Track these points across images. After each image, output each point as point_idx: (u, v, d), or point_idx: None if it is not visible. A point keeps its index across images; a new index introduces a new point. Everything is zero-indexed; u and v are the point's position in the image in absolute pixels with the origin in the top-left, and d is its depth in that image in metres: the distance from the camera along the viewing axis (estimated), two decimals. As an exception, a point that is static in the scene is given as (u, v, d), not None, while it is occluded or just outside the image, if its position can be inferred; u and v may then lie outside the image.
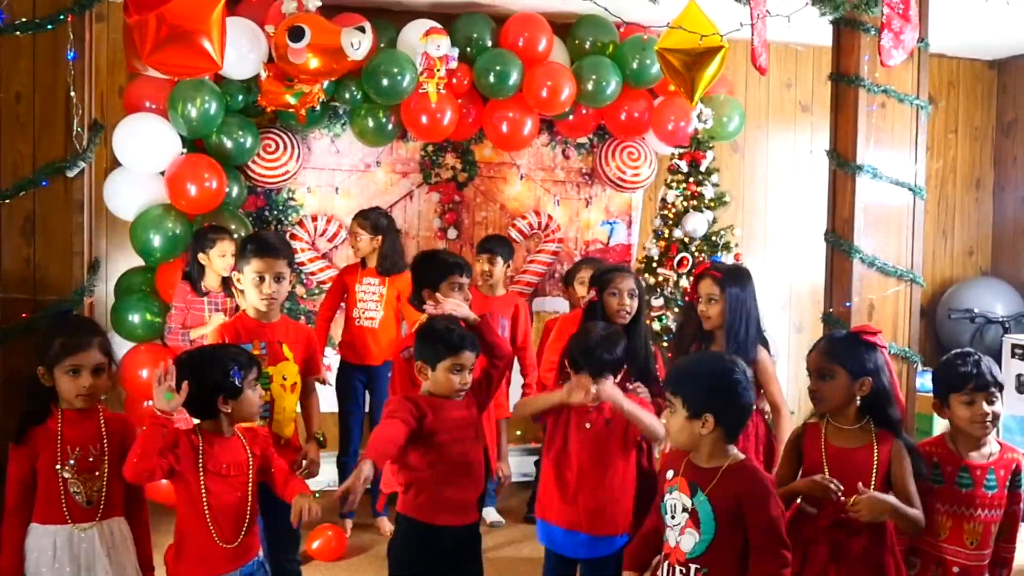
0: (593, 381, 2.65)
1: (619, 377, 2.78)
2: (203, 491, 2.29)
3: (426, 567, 2.53)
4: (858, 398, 2.40)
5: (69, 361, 2.40)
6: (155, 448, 2.21)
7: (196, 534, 2.30)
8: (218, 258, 3.89)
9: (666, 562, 2.20)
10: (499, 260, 4.14)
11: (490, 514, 4.32)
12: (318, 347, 3.14)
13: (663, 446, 2.74)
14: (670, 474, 2.23)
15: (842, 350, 2.44)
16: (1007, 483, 2.48)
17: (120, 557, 2.45)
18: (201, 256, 3.88)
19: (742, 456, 2.18)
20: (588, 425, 2.71)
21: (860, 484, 2.29)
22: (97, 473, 2.41)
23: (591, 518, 2.70)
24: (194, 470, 2.29)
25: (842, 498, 2.29)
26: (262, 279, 2.85)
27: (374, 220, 4.15)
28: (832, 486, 2.29)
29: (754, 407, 2.91)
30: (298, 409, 3.05)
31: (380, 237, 4.12)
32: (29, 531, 2.40)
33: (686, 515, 2.15)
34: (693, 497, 2.15)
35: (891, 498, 2.30)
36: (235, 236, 4.01)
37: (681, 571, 2.15)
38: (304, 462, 2.92)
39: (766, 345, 3.27)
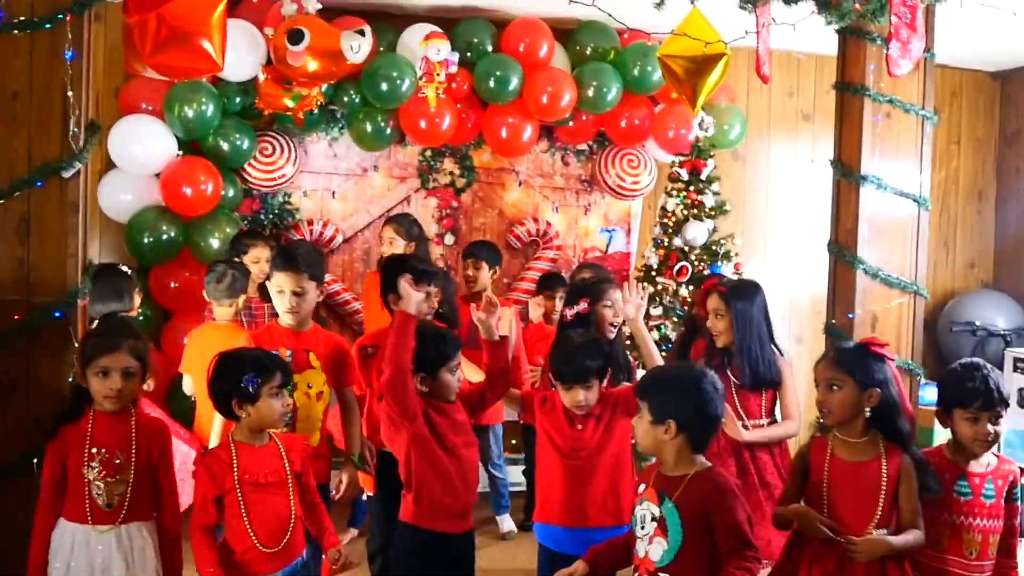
0: (582, 389, 2.65)
1: (604, 383, 2.76)
2: (240, 502, 2.35)
3: (429, 573, 2.55)
4: (867, 410, 2.37)
5: (98, 362, 2.41)
6: (211, 558, 2.34)
7: (237, 539, 2.36)
8: (252, 264, 3.90)
9: (636, 573, 2.19)
10: (484, 265, 4.13)
11: (505, 523, 4.26)
12: (351, 357, 3.08)
13: None
14: (641, 487, 2.24)
15: (851, 361, 2.41)
16: (1004, 495, 2.45)
17: (138, 563, 2.44)
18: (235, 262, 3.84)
19: (709, 464, 2.20)
20: (580, 427, 2.70)
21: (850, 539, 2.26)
22: (120, 477, 2.41)
23: (595, 511, 2.68)
24: (232, 483, 2.35)
25: (839, 538, 2.29)
26: (282, 292, 2.91)
27: (408, 227, 4.14)
28: (823, 527, 2.30)
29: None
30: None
31: (413, 244, 4.10)
32: (56, 525, 2.42)
33: (655, 524, 2.16)
34: (661, 505, 2.16)
35: (887, 537, 2.29)
36: (270, 242, 4.08)
37: None
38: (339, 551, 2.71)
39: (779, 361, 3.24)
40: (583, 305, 3.02)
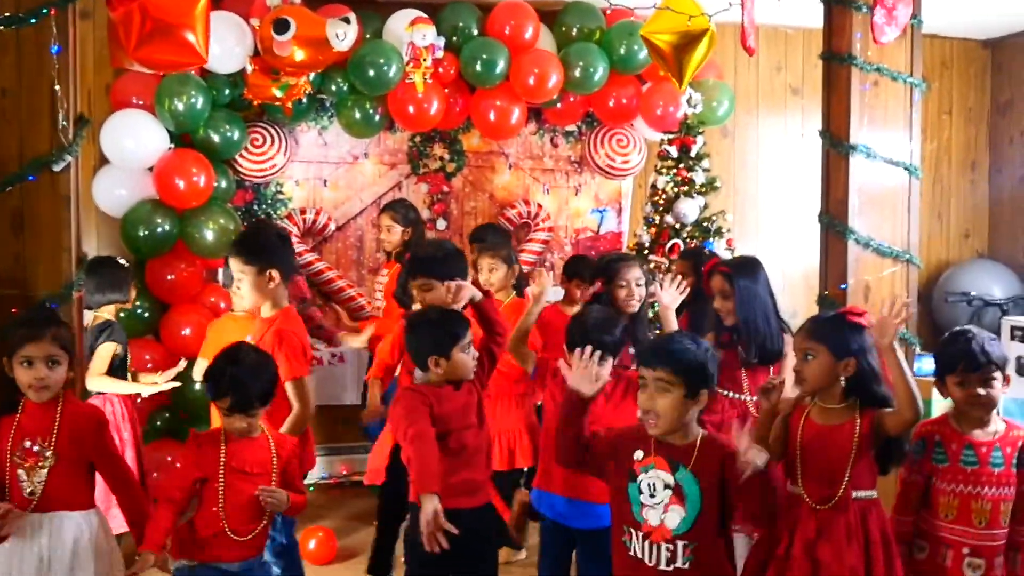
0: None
1: (618, 359, 2.77)
2: (220, 486, 2.35)
3: (443, 552, 2.52)
4: (842, 379, 2.37)
5: (22, 352, 2.40)
6: (164, 528, 2.31)
7: (207, 521, 2.36)
8: None
9: (646, 541, 2.19)
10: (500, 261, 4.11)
11: None
12: (286, 346, 2.94)
13: None
14: (639, 455, 2.23)
15: (826, 330, 2.41)
16: (1014, 461, 2.43)
17: (64, 554, 2.41)
18: None
19: (705, 431, 2.25)
20: None
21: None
22: (40, 465, 2.40)
23: (597, 487, 2.64)
24: (216, 468, 2.35)
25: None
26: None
27: (404, 213, 4.17)
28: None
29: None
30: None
31: (410, 229, 4.13)
32: None
33: (669, 492, 2.17)
34: (675, 473, 2.17)
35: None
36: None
37: (668, 548, 2.16)
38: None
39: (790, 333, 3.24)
40: (597, 285, 3.06)
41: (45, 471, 2.40)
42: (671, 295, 2.94)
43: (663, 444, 2.21)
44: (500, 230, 4.43)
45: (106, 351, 3.56)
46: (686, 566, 2.15)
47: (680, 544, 2.15)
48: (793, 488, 2.38)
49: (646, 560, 2.18)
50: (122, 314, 3.80)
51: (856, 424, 2.34)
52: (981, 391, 2.39)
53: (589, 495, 2.71)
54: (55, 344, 2.41)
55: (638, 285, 3.09)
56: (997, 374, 2.41)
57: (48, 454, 2.40)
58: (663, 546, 2.16)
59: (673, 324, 2.96)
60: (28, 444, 2.39)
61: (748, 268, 3.21)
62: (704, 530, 2.15)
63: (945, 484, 2.42)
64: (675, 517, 2.15)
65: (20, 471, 2.38)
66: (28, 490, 2.40)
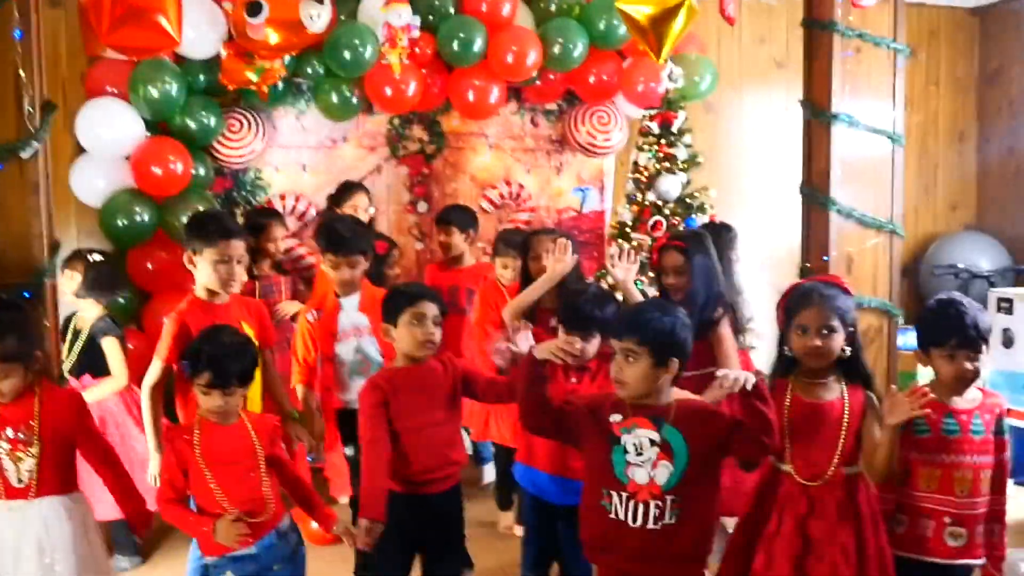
0: (581, 339, 2.65)
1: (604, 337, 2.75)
2: (207, 475, 2.34)
3: (411, 536, 2.58)
4: (846, 349, 2.34)
5: None
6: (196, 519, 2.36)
7: (207, 506, 2.37)
8: (267, 242, 4.04)
9: (630, 501, 2.17)
10: (455, 231, 4.13)
11: (486, 473, 4.26)
12: (268, 317, 3.12)
13: None
14: (616, 417, 2.21)
15: (837, 304, 2.36)
16: (992, 429, 2.41)
17: (54, 538, 2.43)
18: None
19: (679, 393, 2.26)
20: (574, 379, 2.70)
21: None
22: (28, 452, 2.40)
23: (579, 464, 2.62)
24: (194, 461, 2.34)
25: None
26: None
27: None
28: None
29: None
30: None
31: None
32: None
33: (656, 448, 2.16)
34: (660, 430, 2.17)
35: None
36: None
37: (657, 506, 2.15)
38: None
39: (733, 310, 3.19)
40: (516, 263, 3.05)
41: (34, 459, 2.40)
42: (623, 268, 2.89)
43: (639, 406, 2.21)
44: (467, 210, 4.38)
45: (115, 346, 3.54)
46: (672, 521, 2.14)
47: (669, 499, 2.15)
48: (781, 465, 2.36)
49: (629, 521, 2.16)
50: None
51: (845, 401, 2.33)
52: (969, 365, 2.36)
53: (572, 472, 2.68)
54: None
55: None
56: (984, 348, 2.38)
57: (34, 441, 2.40)
58: (651, 504, 2.15)
59: (635, 296, 2.92)
60: (11, 433, 2.38)
61: (702, 242, 3.15)
62: (691, 484, 2.15)
63: (927, 455, 2.39)
64: (664, 472, 2.15)
65: (6, 459, 2.38)
66: (18, 478, 2.40)
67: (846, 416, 2.30)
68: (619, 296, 3.08)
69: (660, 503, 2.14)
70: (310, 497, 2.56)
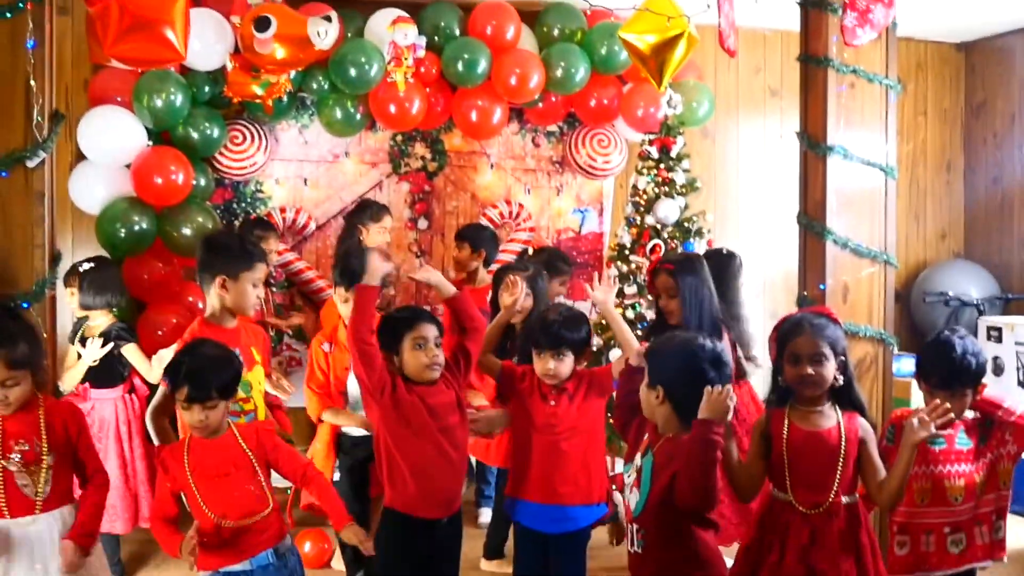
0: (553, 358, 2.72)
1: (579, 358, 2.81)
2: (197, 495, 2.34)
3: (412, 561, 2.56)
4: (839, 378, 2.39)
5: None
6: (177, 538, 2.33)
7: (204, 522, 2.36)
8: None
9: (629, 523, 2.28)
10: (467, 246, 4.19)
11: (485, 514, 4.16)
12: (269, 343, 3.17)
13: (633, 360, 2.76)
14: (645, 437, 2.31)
15: (828, 332, 2.41)
16: (979, 436, 2.51)
17: (52, 551, 2.41)
18: None
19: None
20: (553, 403, 2.74)
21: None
22: (42, 464, 2.39)
23: (567, 488, 2.72)
24: (184, 478, 2.35)
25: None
26: (256, 285, 2.88)
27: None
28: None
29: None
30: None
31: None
32: None
33: (635, 475, 2.25)
34: (644, 457, 2.23)
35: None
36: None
37: (633, 530, 2.24)
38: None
39: (730, 331, 3.23)
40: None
41: (48, 471, 2.39)
42: (602, 291, 2.93)
43: (655, 433, 2.27)
44: (487, 229, 4.44)
45: (136, 352, 3.57)
46: (639, 550, 2.20)
47: (634, 527, 2.22)
48: (781, 495, 2.38)
49: (628, 541, 2.27)
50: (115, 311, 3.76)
51: (841, 429, 2.35)
52: (968, 399, 2.48)
53: (562, 499, 2.72)
54: (9, 367, 2.34)
55: (525, 296, 3.09)
56: (967, 388, 2.48)
57: (46, 453, 2.39)
58: (631, 527, 2.24)
59: (616, 319, 2.92)
60: (24, 445, 2.37)
61: (692, 265, 3.20)
62: (652, 517, 2.17)
63: (917, 468, 2.46)
64: (634, 499, 2.23)
65: (21, 473, 2.36)
66: (32, 491, 2.38)
67: (843, 444, 2.33)
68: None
69: (631, 528, 2.24)
70: (331, 500, 2.50)
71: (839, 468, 2.33)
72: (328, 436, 3.26)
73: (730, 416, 2.12)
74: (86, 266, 3.63)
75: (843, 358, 2.39)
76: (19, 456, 2.36)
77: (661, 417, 2.22)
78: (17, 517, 2.37)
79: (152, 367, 3.49)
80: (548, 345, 2.72)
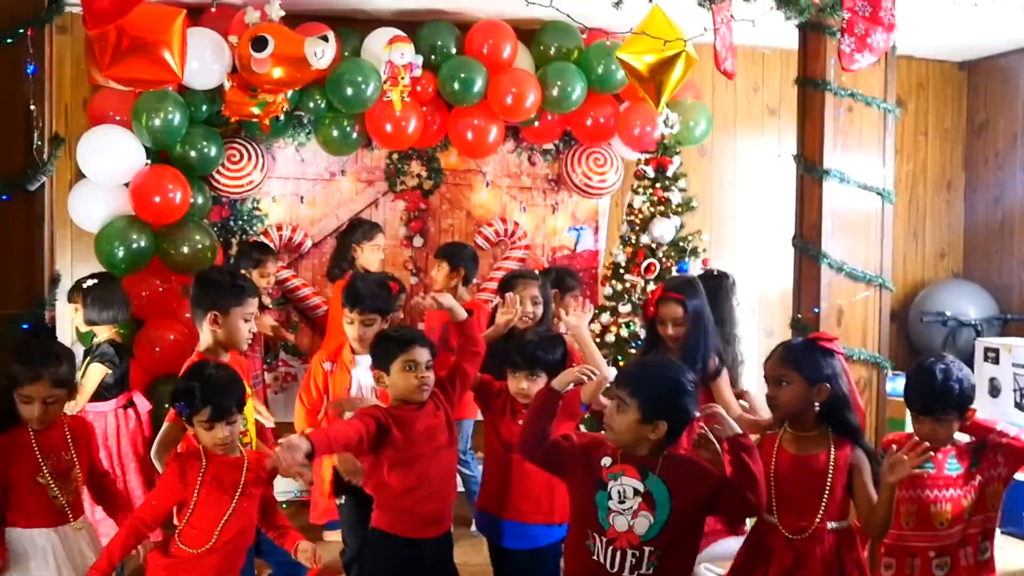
0: (527, 378, 2.74)
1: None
2: (193, 504, 2.38)
3: None
4: (816, 404, 2.39)
5: (22, 390, 2.48)
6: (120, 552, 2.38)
7: (192, 538, 2.40)
8: (259, 278, 4.06)
9: (610, 547, 2.21)
10: (445, 265, 4.20)
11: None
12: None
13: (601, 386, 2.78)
14: (607, 461, 2.26)
15: (798, 356, 2.43)
16: (971, 460, 2.50)
17: (96, 548, 2.57)
18: None
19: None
20: (521, 421, 2.70)
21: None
22: (72, 475, 2.53)
23: (530, 506, 2.74)
24: (194, 486, 2.40)
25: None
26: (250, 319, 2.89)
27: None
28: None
29: None
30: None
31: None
32: (12, 534, 2.46)
33: (639, 498, 2.20)
34: (644, 480, 2.20)
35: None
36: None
37: (633, 555, 2.18)
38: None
39: (722, 355, 3.22)
40: (496, 300, 3.14)
41: (76, 483, 2.54)
42: (576, 315, 2.93)
43: (629, 455, 2.24)
44: (466, 248, 4.44)
45: (96, 375, 3.58)
46: (650, 571, 2.17)
47: (647, 550, 2.17)
48: (768, 518, 2.39)
49: (607, 565, 2.20)
50: (122, 331, 3.79)
51: (831, 455, 2.35)
52: (932, 430, 2.48)
53: (522, 516, 2.75)
54: (53, 386, 2.47)
55: (534, 303, 3.13)
56: (953, 415, 2.48)
57: (76, 464, 2.53)
58: (629, 552, 2.18)
59: (588, 345, 2.91)
60: (54, 459, 2.49)
61: (696, 290, 3.17)
62: (672, 536, 2.18)
63: (904, 491, 2.46)
64: (644, 523, 2.19)
65: (53, 486, 2.47)
66: (64, 502, 2.50)
67: (831, 470, 2.33)
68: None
69: (637, 552, 2.18)
70: (280, 522, 2.58)
71: (825, 494, 2.33)
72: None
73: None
74: (90, 282, 3.67)
75: (828, 384, 2.38)
76: (49, 469, 2.48)
77: (649, 445, 2.23)
78: (52, 527, 2.48)
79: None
80: (523, 365, 2.74)
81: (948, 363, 2.50)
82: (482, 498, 2.89)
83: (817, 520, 2.32)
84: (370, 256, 4.24)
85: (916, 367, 2.56)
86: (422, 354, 2.58)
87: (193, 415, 2.40)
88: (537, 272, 3.53)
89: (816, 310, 3.75)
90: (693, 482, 2.21)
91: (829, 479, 2.32)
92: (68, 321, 3.86)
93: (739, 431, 2.23)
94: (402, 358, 2.56)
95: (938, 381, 2.45)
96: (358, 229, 4.33)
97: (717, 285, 3.62)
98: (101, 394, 3.59)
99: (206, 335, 2.80)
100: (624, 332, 4.31)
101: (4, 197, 3.01)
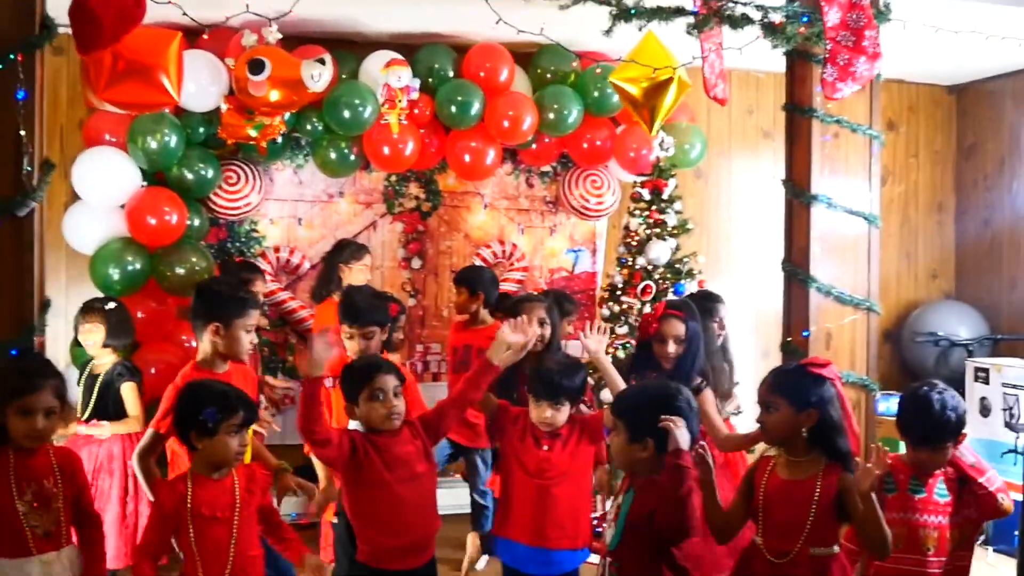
0: (550, 407, 2.72)
1: (575, 407, 2.82)
2: (191, 536, 2.34)
3: None
4: (804, 430, 2.40)
5: (20, 403, 2.41)
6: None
7: (191, 571, 2.36)
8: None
9: (599, 557, 2.36)
10: (464, 291, 4.16)
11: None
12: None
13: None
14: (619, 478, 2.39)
15: (786, 382, 2.45)
16: (956, 492, 2.53)
17: None
18: None
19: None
20: (546, 447, 2.75)
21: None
22: (54, 506, 2.44)
23: (555, 532, 2.73)
24: (183, 516, 2.34)
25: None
26: (248, 331, 2.89)
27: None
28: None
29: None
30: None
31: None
32: None
33: (615, 509, 2.32)
34: (624, 494, 2.30)
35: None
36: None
37: (603, 564, 2.33)
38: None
39: (706, 374, 3.25)
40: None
41: (58, 512, 2.44)
42: (596, 340, 2.95)
43: (633, 475, 2.33)
44: (485, 271, 4.43)
45: (132, 391, 3.62)
46: None
47: (607, 560, 2.29)
48: (757, 540, 2.40)
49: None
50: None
51: (818, 481, 2.35)
52: (926, 456, 2.53)
53: (548, 543, 2.73)
54: (53, 395, 2.43)
55: (541, 324, 3.15)
56: (947, 443, 2.51)
57: (59, 493, 2.45)
58: (604, 561, 2.33)
59: (607, 367, 2.95)
60: (36, 487, 2.42)
61: (693, 311, 3.22)
62: (626, 553, 2.24)
63: (893, 513, 2.48)
64: (610, 533, 2.30)
65: (32, 514, 2.40)
66: (43, 531, 2.42)
67: (816, 495, 2.33)
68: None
69: (604, 561, 2.30)
70: (286, 534, 2.55)
71: (808, 520, 2.32)
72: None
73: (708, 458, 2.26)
74: (111, 305, 3.70)
75: (816, 410, 2.38)
76: (31, 497, 2.41)
77: (645, 467, 2.26)
78: (27, 557, 2.40)
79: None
80: (546, 395, 2.73)
81: (942, 392, 2.53)
82: (499, 523, 2.85)
83: (798, 545, 2.32)
84: (357, 277, 4.22)
85: (911, 396, 2.57)
86: (387, 381, 2.54)
87: (223, 421, 2.38)
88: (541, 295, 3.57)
89: (805, 333, 3.79)
90: (648, 497, 2.24)
91: (814, 505, 2.32)
92: (61, 346, 3.86)
93: (683, 447, 2.21)
94: (368, 388, 2.53)
95: (936, 410, 2.49)
96: (345, 249, 4.31)
97: (703, 307, 3.65)
98: (111, 412, 3.61)
99: (206, 345, 2.81)
100: (621, 353, 4.33)
101: (-8, 223, 3.02)
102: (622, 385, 2.91)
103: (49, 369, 2.51)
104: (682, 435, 2.21)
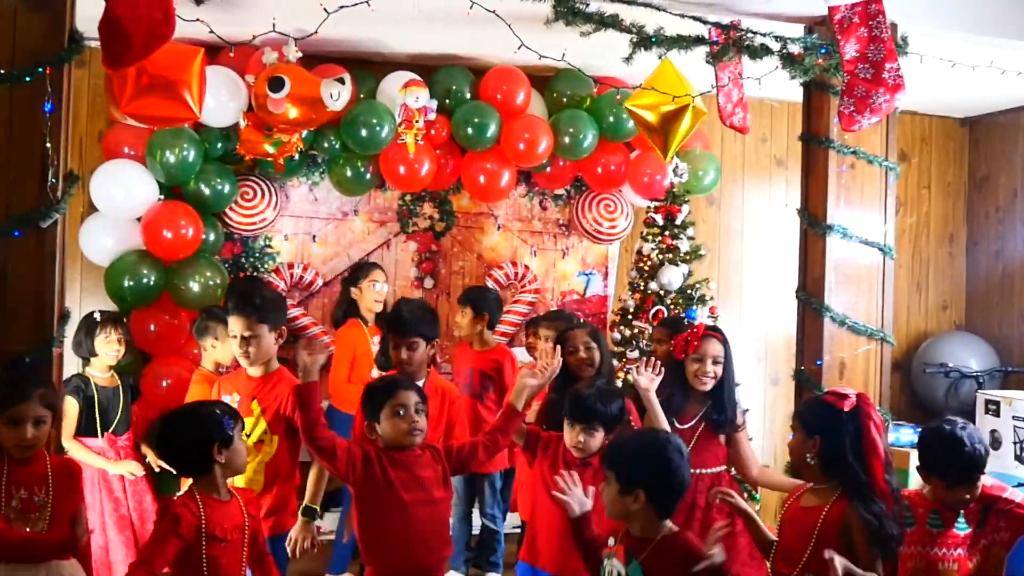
0: (583, 431, 2.71)
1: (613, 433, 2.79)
2: (203, 559, 2.30)
3: None
4: (809, 456, 2.38)
5: (9, 412, 2.42)
6: None
7: None
8: None
9: None
10: (468, 311, 4.19)
11: None
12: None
13: None
14: (611, 541, 2.28)
15: (803, 409, 2.53)
16: (977, 521, 2.50)
17: None
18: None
19: (676, 528, 2.23)
20: (576, 475, 2.70)
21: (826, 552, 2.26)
22: (40, 515, 2.44)
23: (580, 563, 2.64)
24: (197, 538, 2.29)
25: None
26: (234, 336, 2.93)
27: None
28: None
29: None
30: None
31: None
32: None
33: None
34: (628, 565, 2.20)
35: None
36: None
37: None
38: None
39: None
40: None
41: (45, 522, 2.43)
42: (648, 377, 2.95)
43: (627, 535, 2.24)
44: (490, 292, 4.46)
45: (71, 407, 3.62)
46: None
47: None
48: (767, 562, 2.44)
49: None
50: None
51: (824, 510, 2.34)
52: (967, 495, 2.49)
53: (576, 572, 2.66)
54: (42, 405, 2.44)
55: (587, 349, 3.12)
56: (975, 480, 2.50)
57: (48, 504, 2.43)
58: None
59: (656, 410, 2.94)
60: (25, 495, 2.41)
61: (726, 335, 3.24)
62: None
63: (912, 548, 2.48)
64: None
65: (19, 521, 2.39)
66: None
67: (818, 524, 2.32)
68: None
69: None
70: (270, 571, 2.53)
71: (808, 548, 2.32)
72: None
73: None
74: (125, 320, 3.79)
75: (820, 437, 2.35)
76: (17, 503, 2.40)
77: (639, 519, 2.21)
78: (24, 564, 2.38)
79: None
80: (580, 419, 2.72)
81: (964, 427, 2.52)
82: (527, 550, 2.83)
83: (796, 570, 2.32)
84: (369, 294, 4.26)
85: (938, 438, 2.53)
86: (409, 397, 2.56)
87: (234, 426, 2.41)
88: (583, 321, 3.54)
89: (819, 362, 3.79)
90: (671, 570, 2.15)
91: (815, 533, 2.32)
92: (77, 360, 3.86)
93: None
94: (390, 404, 2.55)
95: (968, 448, 2.46)
96: (355, 272, 4.42)
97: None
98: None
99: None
100: (631, 378, 4.32)
101: (16, 233, 3.03)
102: (665, 425, 2.90)
103: (38, 379, 2.54)
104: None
